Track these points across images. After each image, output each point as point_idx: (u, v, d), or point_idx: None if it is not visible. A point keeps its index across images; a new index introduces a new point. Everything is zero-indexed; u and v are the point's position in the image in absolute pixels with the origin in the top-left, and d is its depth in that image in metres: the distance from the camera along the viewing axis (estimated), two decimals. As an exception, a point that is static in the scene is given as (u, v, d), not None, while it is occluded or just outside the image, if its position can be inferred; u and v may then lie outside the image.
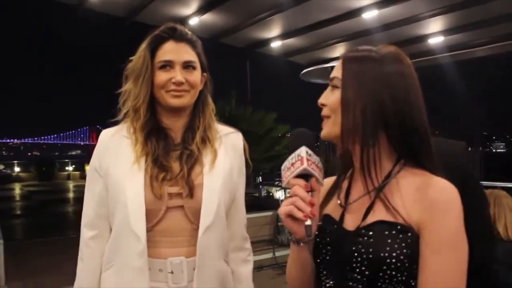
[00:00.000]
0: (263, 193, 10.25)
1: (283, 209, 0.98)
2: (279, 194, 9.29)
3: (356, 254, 0.95)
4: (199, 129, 1.41)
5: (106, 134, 1.44)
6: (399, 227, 0.93)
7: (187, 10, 8.61)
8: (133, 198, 1.29)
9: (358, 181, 1.06)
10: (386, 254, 0.91)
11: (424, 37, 9.57)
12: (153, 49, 1.38)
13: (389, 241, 0.92)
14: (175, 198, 1.30)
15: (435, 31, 9.34)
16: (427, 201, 0.95)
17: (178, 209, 1.32)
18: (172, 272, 1.30)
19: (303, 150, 0.99)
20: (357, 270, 0.95)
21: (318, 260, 1.04)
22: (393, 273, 0.91)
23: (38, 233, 7.46)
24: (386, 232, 0.93)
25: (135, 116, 1.39)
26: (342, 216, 1.05)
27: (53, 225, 9.48)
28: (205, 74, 1.45)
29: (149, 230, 1.29)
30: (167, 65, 1.36)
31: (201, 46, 1.44)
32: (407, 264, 0.91)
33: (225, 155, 1.42)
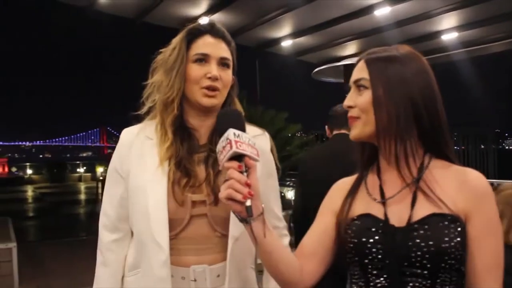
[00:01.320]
0: (275, 193, 10.17)
1: (222, 194, 0.99)
2: (291, 194, 9.22)
3: (414, 249, 0.97)
4: None
5: (129, 133, 1.38)
6: (449, 217, 0.98)
7: (197, 10, 8.58)
8: (156, 206, 1.24)
9: (391, 177, 1.08)
10: (447, 245, 0.95)
11: (438, 34, 9.43)
12: (189, 41, 1.32)
13: (446, 231, 0.97)
14: (199, 206, 1.25)
15: (449, 27, 9.19)
16: (470, 189, 1.02)
17: (202, 217, 1.27)
18: (195, 280, 1.26)
19: (230, 133, 1.00)
20: (417, 264, 0.97)
21: (367, 261, 1.04)
22: (453, 261, 0.96)
23: (51, 234, 7.48)
24: (441, 224, 0.98)
25: (166, 111, 1.32)
26: (385, 213, 1.05)
27: (65, 227, 9.52)
28: (233, 76, 1.39)
29: (172, 238, 1.24)
30: (203, 58, 1.30)
31: (235, 47, 1.39)
32: (461, 252, 0.97)
33: None
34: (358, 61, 1.13)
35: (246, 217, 1.00)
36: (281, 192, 10.31)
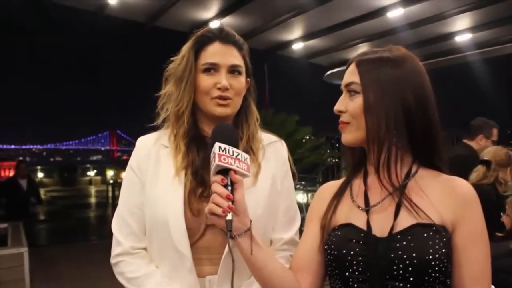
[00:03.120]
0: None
1: (206, 208, 0.99)
2: (301, 198, 9.16)
3: (396, 261, 0.92)
4: (243, 140, 1.30)
5: (145, 141, 1.35)
6: (434, 227, 0.93)
7: (208, 13, 8.58)
8: (174, 216, 1.21)
9: (376, 183, 1.02)
10: (431, 257, 0.90)
11: (451, 35, 9.36)
12: (198, 50, 1.27)
13: (430, 243, 0.91)
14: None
15: (462, 29, 9.12)
16: (457, 197, 0.98)
17: (217, 227, 1.20)
18: None
19: (215, 147, 1.01)
20: (400, 277, 0.92)
21: (347, 273, 0.98)
22: (437, 274, 0.90)
23: (62, 238, 7.50)
24: (425, 235, 0.92)
25: (177, 123, 1.29)
26: (368, 222, 0.99)
27: (76, 230, 9.54)
28: (249, 79, 1.34)
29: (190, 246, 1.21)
30: (212, 68, 1.26)
31: (247, 49, 1.34)
32: (446, 263, 0.91)
33: (268, 167, 1.32)
34: (349, 64, 1.08)
35: (231, 232, 0.98)
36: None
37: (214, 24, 8.69)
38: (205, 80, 1.26)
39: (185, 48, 1.30)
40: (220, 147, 1.01)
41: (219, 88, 1.25)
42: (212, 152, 1.01)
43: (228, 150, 1.01)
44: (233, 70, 1.28)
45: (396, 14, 8.14)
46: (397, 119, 0.99)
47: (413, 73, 1.03)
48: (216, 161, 0.99)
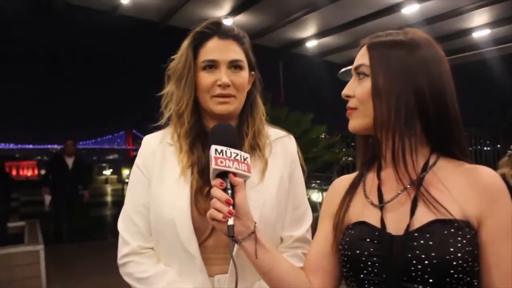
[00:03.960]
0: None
1: (208, 214, 0.97)
2: (315, 197, 9.11)
3: (414, 262, 0.85)
4: (248, 135, 1.27)
5: (151, 140, 1.33)
6: (456, 223, 0.86)
7: (220, 11, 8.57)
8: (181, 216, 1.18)
9: (390, 177, 0.96)
10: (452, 256, 0.83)
11: (469, 31, 9.18)
12: (196, 47, 1.25)
13: (451, 240, 0.84)
14: None
15: (480, 24, 8.94)
16: (482, 188, 0.89)
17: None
18: None
19: (212, 150, 0.99)
20: (418, 279, 0.85)
21: (362, 275, 0.93)
22: (460, 275, 0.83)
23: (78, 236, 7.57)
24: (445, 232, 0.85)
25: (178, 122, 1.27)
26: (382, 220, 0.92)
27: (93, 229, 9.62)
28: (253, 72, 1.31)
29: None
30: (211, 65, 1.23)
31: (248, 42, 1.30)
32: (470, 263, 0.84)
33: (275, 164, 1.28)
34: (361, 46, 1.03)
35: (235, 237, 0.96)
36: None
37: (227, 23, 8.69)
38: (205, 78, 1.23)
39: (184, 46, 1.27)
40: (216, 150, 0.98)
41: (219, 85, 1.22)
42: (209, 156, 0.98)
43: (226, 151, 0.99)
44: (233, 65, 1.24)
45: (411, 10, 8.02)
46: (408, 107, 0.93)
47: (429, 59, 0.96)
48: (212, 165, 0.97)
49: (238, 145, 1.06)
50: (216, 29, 1.26)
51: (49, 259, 4.66)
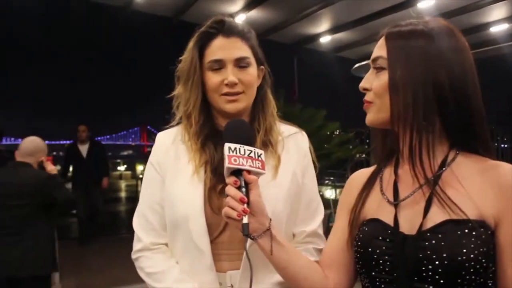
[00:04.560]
0: (314, 192, 10.02)
1: (223, 212, 0.97)
2: (329, 193, 9.08)
3: (425, 262, 0.84)
4: (260, 132, 1.27)
5: (165, 136, 1.34)
6: (470, 224, 0.83)
7: (234, 7, 8.55)
8: (194, 213, 1.20)
9: (407, 173, 0.93)
10: (464, 257, 0.81)
11: (486, 26, 9.02)
12: (201, 47, 1.25)
13: (464, 241, 0.82)
14: None
15: (498, 18, 8.78)
16: (501, 186, 0.85)
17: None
18: (231, 286, 1.23)
19: (225, 148, 0.98)
20: (429, 279, 0.83)
21: (374, 273, 0.92)
22: (473, 277, 0.81)
23: (92, 231, 7.62)
24: (459, 232, 0.83)
25: (188, 123, 1.28)
26: (395, 218, 0.90)
27: (106, 224, 9.72)
28: (262, 67, 1.30)
29: (210, 242, 1.26)
30: (218, 64, 1.22)
31: (254, 37, 1.30)
32: (484, 264, 0.82)
33: (288, 160, 1.28)
34: (380, 37, 1.00)
35: (249, 234, 0.97)
36: (319, 191, 10.32)
37: (240, 18, 8.68)
38: (212, 78, 1.24)
39: (189, 46, 1.28)
40: (230, 148, 0.98)
41: (227, 85, 1.22)
42: (223, 153, 0.99)
43: (239, 149, 0.98)
44: (240, 63, 1.24)
45: (426, 4, 7.90)
46: (426, 100, 0.90)
47: (450, 48, 0.92)
48: (226, 164, 0.97)
49: (252, 141, 1.07)
50: (220, 28, 1.26)
51: (62, 254, 4.70)
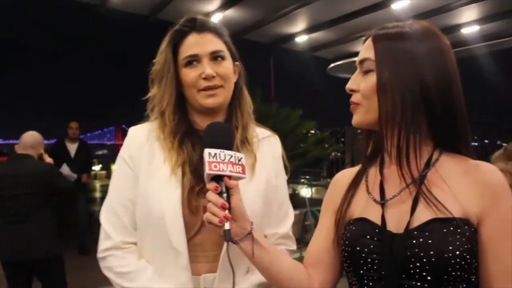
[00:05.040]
0: (289, 191, 10.05)
1: (204, 217, 0.97)
2: (305, 192, 9.13)
3: (413, 259, 0.86)
4: (238, 129, 1.26)
5: (139, 133, 1.31)
6: (455, 222, 0.85)
7: (210, 6, 8.52)
8: (171, 212, 1.18)
9: (393, 173, 0.94)
10: (450, 254, 0.83)
11: (458, 27, 9.24)
12: (175, 46, 1.24)
13: (450, 239, 0.84)
14: None
15: (469, 20, 9.01)
16: (483, 185, 0.88)
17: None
18: None
19: (205, 154, 0.97)
20: (416, 276, 0.86)
21: (362, 271, 0.93)
22: (458, 273, 0.83)
23: (67, 232, 7.46)
24: (445, 230, 0.85)
25: (162, 121, 1.26)
26: (383, 217, 0.92)
27: (80, 224, 9.54)
28: (237, 63, 1.30)
29: None
30: (193, 60, 1.22)
31: (227, 34, 1.29)
32: (469, 260, 0.84)
33: (263, 161, 1.29)
34: (366, 38, 1.00)
35: (232, 238, 0.97)
36: (295, 190, 10.27)
37: (217, 17, 8.66)
38: (188, 74, 1.23)
39: (163, 46, 1.27)
40: (209, 154, 0.97)
41: (204, 78, 1.20)
42: (203, 159, 0.97)
43: (219, 154, 0.98)
44: (215, 56, 1.24)
45: (401, 5, 8.05)
46: (414, 101, 0.91)
47: (435, 50, 0.93)
48: (206, 170, 0.96)
49: (232, 145, 1.06)
50: (193, 25, 1.25)
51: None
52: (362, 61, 0.98)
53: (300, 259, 1.12)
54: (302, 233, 6.18)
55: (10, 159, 3.58)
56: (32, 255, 3.33)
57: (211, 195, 0.97)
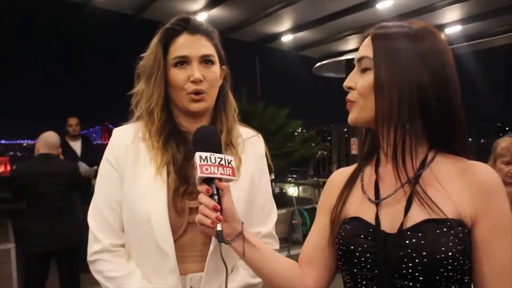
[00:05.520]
0: (276, 190, 10.10)
1: (196, 219, 0.99)
2: (292, 191, 9.16)
3: (405, 259, 0.87)
4: (223, 133, 1.27)
5: (123, 134, 1.30)
6: (448, 223, 0.86)
7: (195, 5, 8.47)
8: (157, 214, 1.18)
9: (389, 172, 0.95)
10: (443, 255, 0.84)
11: (441, 27, 9.28)
12: (166, 44, 1.24)
13: (443, 240, 0.85)
14: (196, 213, 1.15)
15: (452, 20, 9.08)
16: (478, 185, 0.89)
17: None
18: None
19: (196, 157, 1.00)
20: (409, 276, 0.86)
21: (356, 270, 0.94)
22: (450, 273, 0.84)
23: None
24: (438, 231, 0.86)
25: (149, 120, 1.26)
26: (377, 217, 0.93)
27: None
28: (224, 67, 1.31)
29: None
30: (183, 61, 1.22)
31: (218, 37, 1.30)
32: (461, 261, 0.85)
33: (246, 162, 1.31)
34: (365, 37, 1.01)
35: (224, 238, 0.99)
36: (282, 189, 10.26)
37: (202, 17, 8.62)
38: (177, 75, 1.22)
39: (153, 43, 1.26)
40: (201, 157, 0.99)
41: (193, 81, 1.21)
42: (194, 163, 0.99)
43: (210, 158, 0.99)
44: (205, 60, 1.24)
45: (385, 5, 8.08)
46: (410, 101, 0.91)
47: (433, 50, 0.94)
48: (198, 173, 0.97)
49: (221, 148, 1.07)
50: (185, 25, 1.25)
51: (20, 259, 4.54)
52: (360, 59, 0.98)
53: (288, 258, 1.14)
54: (290, 232, 6.21)
55: (39, 158, 3.83)
56: (71, 243, 3.80)
57: (203, 198, 0.98)
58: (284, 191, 9.80)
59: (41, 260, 3.79)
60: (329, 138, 10.39)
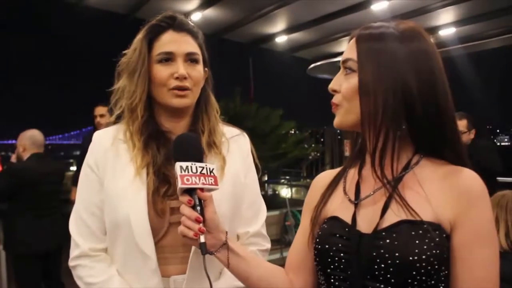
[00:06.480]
0: (269, 191, 10.09)
1: (178, 230, 0.97)
2: (285, 192, 9.15)
3: (378, 260, 0.84)
4: (204, 133, 1.25)
5: (103, 137, 1.28)
6: (425, 225, 0.83)
7: (189, 5, 8.47)
8: (137, 216, 1.17)
9: (371, 174, 0.92)
10: (416, 258, 0.81)
11: (435, 29, 9.36)
12: (150, 40, 1.21)
13: (417, 242, 0.82)
14: (177, 213, 1.13)
15: (446, 22, 9.15)
16: (460, 191, 0.86)
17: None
18: None
19: (177, 168, 0.97)
20: (380, 278, 0.84)
21: (329, 270, 0.92)
22: (423, 278, 0.81)
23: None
24: (413, 233, 0.83)
25: (131, 117, 1.24)
26: (354, 216, 0.93)
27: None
28: (206, 69, 1.29)
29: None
30: (168, 57, 1.19)
31: (202, 37, 1.27)
32: (436, 266, 0.81)
33: (231, 161, 1.28)
34: (350, 38, 0.98)
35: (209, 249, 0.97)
36: (275, 190, 10.25)
37: (196, 17, 8.60)
38: (161, 71, 1.20)
39: (137, 39, 1.24)
40: (181, 167, 0.96)
41: (176, 78, 1.18)
42: (175, 173, 0.96)
43: (191, 167, 0.97)
44: (190, 58, 1.22)
45: (380, 7, 8.13)
46: (395, 104, 0.88)
47: (419, 52, 0.90)
48: (179, 184, 0.95)
49: (203, 156, 1.05)
50: (171, 22, 1.23)
51: (10, 261, 4.48)
52: (345, 61, 0.96)
53: (280, 260, 1.11)
54: (282, 234, 6.19)
55: (34, 157, 3.74)
56: (55, 246, 3.67)
57: (184, 209, 0.96)
58: (277, 192, 9.79)
59: (38, 260, 3.72)
60: (322, 139, 10.41)
